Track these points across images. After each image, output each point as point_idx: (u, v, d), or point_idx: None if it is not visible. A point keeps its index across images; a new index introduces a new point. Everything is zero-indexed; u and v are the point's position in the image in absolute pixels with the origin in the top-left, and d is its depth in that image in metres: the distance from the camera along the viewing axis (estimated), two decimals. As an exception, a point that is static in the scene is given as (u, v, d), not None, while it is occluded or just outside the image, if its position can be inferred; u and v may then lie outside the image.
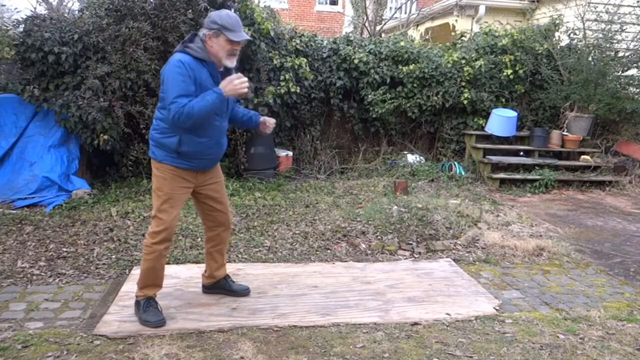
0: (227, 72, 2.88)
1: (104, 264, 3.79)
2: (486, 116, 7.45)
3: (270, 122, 3.15)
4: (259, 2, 7.83)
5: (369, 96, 7.21)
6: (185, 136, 2.79)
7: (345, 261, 4.10)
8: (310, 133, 7.33)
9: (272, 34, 6.41)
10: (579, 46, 7.65)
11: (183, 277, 3.58)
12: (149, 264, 2.90)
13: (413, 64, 7.25)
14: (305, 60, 6.72)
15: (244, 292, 3.32)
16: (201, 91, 2.71)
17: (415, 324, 3.06)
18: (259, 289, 3.44)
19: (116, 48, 5.43)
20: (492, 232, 4.74)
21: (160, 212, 2.87)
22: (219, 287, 3.32)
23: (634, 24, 7.54)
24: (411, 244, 4.47)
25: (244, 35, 2.79)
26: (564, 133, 7.54)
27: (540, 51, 7.57)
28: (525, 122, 7.78)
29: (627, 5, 7.80)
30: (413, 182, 6.55)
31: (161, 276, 3.01)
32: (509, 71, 7.36)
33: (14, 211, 4.86)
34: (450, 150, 7.62)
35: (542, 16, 10.02)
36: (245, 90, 2.77)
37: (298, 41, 6.93)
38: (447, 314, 3.21)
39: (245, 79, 2.75)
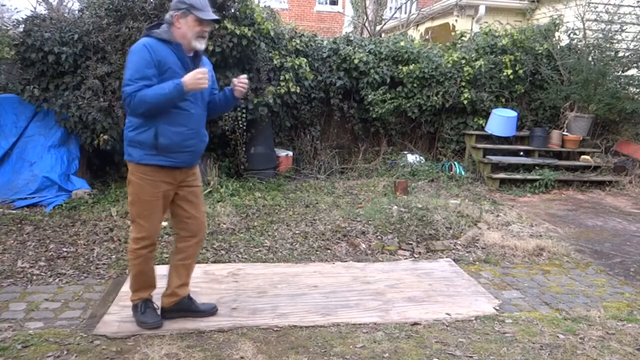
0: (197, 56, 2.75)
1: (104, 264, 3.79)
2: (486, 116, 7.45)
3: (240, 79, 2.82)
4: (259, 2, 7.83)
5: (369, 96, 7.21)
6: (161, 127, 2.60)
7: (345, 261, 4.10)
8: (310, 133, 7.33)
9: (272, 34, 6.41)
10: (579, 46, 7.65)
11: (183, 277, 3.57)
12: (138, 269, 2.80)
13: (413, 64, 7.25)
14: (305, 60, 6.72)
15: (211, 310, 3.03)
16: (168, 72, 2.58)
17: (415, 324, 3.06)
18: (259, 289, 3.44)
19: (116, 48, 5.43)
20: (492, 232, 4.74)
21: (139, 217, 2.71)
22: (181, 308, 2.95)
23: (634, 24, 7.54)
24: (411, 244, 4.47)
25: (212, 14, 2.66)
26: (564, 133, 7.54)
27: (540, 51, 7.57)
28: (525, 122, 7.78)
29: (627, 5, 7.80)
30: (413, 182, 6.55)
31: (152, 277, 2.90)
32: (509, 71, 7.36)
33: (14, 211, 4.86)
34: (450, 150, 7.62)
35: (542, 16, 10.02)
36: (205, 85, 2.59)
37: (298, 41, 6.93)
38: (447, 314, 3.21)
39: (206, 72, 2.58)
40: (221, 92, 2.93)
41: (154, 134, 2.60)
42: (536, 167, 7.08)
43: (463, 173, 7.13)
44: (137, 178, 2.67)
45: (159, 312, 2.92)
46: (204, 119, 2.84)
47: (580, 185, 6.99)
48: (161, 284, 2.97)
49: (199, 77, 2.54)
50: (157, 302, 2.95)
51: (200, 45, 2.67)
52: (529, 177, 6.90)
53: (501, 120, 7.24)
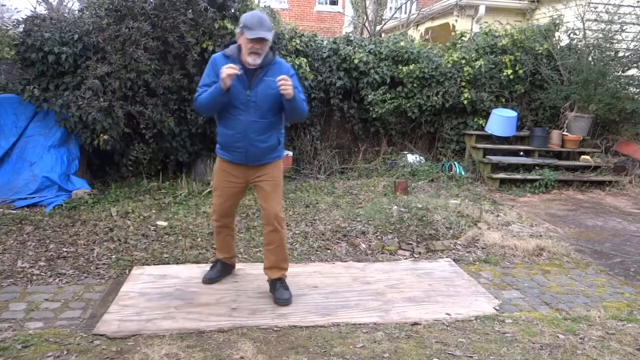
0: (260, 68, 3.02)
1: (104, 264, 3.79)
2: (486, 116, 7.45)
3: (278, 81, 2.94)
4: (259, 2, 7.83)
5: (369, 96, 7.21)
6: (219, 129, 3.16)
7: (345, 261, 4.10)
8: (310, 133, 7.32)
9: (272, 34, 6.40)
10: (579, 46, 7.65)
11: (183, 277, 3.58)
12: (214, 232, 3.52)
13: (413, 64, 7.25)
14: (305, 60, 6.72)
15: (278, 301, 3.24)
16: None
17: (415, 324, 3.06)
18: (259, 289, 3.44)
19: (116, 48, 5.43)
20: (492, 232, 4.74)
21: (213, 196, 3.38)
22: (271, 287, 3.34)
23: (634, 24, 7.54)
24: (411, 244, 4.47)
25: (258, 33, 2.86)
26: (564, 133, 7.54)
27: (540, 51, 7.57)
28: (525, 122, 7.78)
29: (627, 5, 7.80)
30: (413, 182, 6.55)
31: (225, 246, 3.49)
32: (509, 71, 7.36)
33: (14, 211, 4.85)
34: (450, 150, 7.62)
35: (542, 16, 10.02)
36: (227, 74, 2.83)
37: (298, 41, 6.92)
38: (447, 314, 3.21)
39: (232, 68, 2.83)
40: None
41: (217, 133, 3.19)
42: (536, 167, 7.08)
43: (463, 173, 7.13)
44: (216, 164, 3.31)
45: (222, 270, 3.54)
46: (260, 126, 3.06)
47: (580, 185, 6.99)
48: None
49: (223, 75, 2.85)
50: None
51: (253, 60, 2.96)
52: (529, 177, 6.90)
53: (501, 120, 7.24)
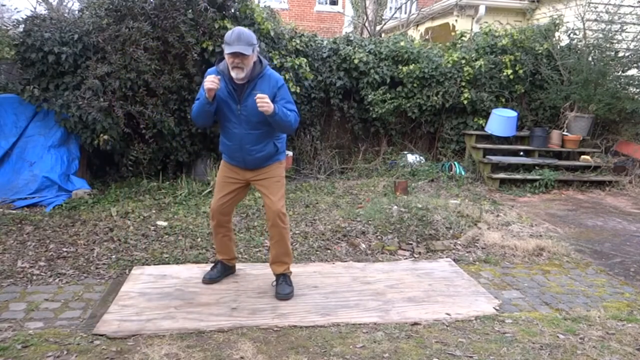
0: (248, 82, 3.05)
1: (104, 264, 3.79)
2: (486, 116, 7.45)
3: (256, 99, 2.98)
4: (259, 2, 7.83)
5: (369, 96, 7.21)
6: (221, 138, 3.33)
7: (345, 261, 4.10)
8: (310, 133, 7.33)
9: (272, 34, 6.41)
10: (579, 46, 7.65)
11: (183, 277, 3.58)
12: (212, 233, 3.55)
13: (413, 64, 7.25)
14: (305, 60, 6.72)
15: (278, 295, 3.34)
16: (216, 96, 3.05)
17: (415, 324, 3.06)
18: (259, 289, 3.44)
19: (116, 48, 5.43)
20: (492, 232, 4.74)
21: (214, 193, 3.43)
22: (277, 281, 3.43)
23: (634, 24, 7.54)
24: (411, 244, 4.47)
25: (234, 47, 2.90)
26: (564, 133, 7.54)
27: (540, 51, 7.57)
28: (525, 122, 7.78)
29: (627, 5, 7.81)
30: (413, 182, 6.55)
31: (223, 248, 3.52)
32: (509, 71, 7.36)
33: (14, 211, 4.85)
34: (450, 150, 7.62)
35: (542, 16, 10.02)
36: (207, 87, 2.93)
37: (298, 41, 6.92)
38: (447, 314, 3.21)
39: (213, 79, 2.93)
40: None
41: (220, 141, 3.37)
42: (536, 167, 7.08)
43: (463, 173, 7.13)
44: (220, 165, 3.44)
45: (221, 270, 3.57)
46: (253, 137, 3.16)
47: (580, 185, 6.99)
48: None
49: (205, 86, 2.97)
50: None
51: (236, 74, 3.00)
52: (529, 177, 6.90)
53: (501, 120, 7.24)
